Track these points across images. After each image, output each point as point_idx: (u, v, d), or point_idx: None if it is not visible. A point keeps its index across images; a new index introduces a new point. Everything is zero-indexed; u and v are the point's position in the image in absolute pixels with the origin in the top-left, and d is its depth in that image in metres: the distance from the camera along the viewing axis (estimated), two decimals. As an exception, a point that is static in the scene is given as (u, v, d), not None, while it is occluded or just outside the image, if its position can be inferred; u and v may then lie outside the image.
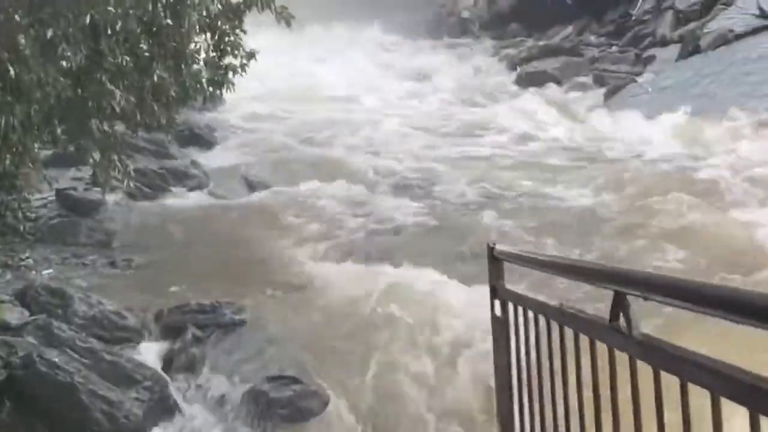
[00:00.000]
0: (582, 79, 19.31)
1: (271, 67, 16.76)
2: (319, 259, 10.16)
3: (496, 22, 23.66)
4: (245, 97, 15.97)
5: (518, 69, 20.37)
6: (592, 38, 21.70)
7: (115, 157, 9.41)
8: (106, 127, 9.23)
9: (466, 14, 24.01)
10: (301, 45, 21.22)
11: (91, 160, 9.11)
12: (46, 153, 10.59)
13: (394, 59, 21.89)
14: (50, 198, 11.29)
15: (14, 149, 8.87)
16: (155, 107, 9.16)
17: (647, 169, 13.00)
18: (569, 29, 22.31)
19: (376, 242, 10.63)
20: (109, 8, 8.26)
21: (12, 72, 8.33)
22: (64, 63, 8.42)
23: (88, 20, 8.27)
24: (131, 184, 9.78)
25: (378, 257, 10.01)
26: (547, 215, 11.17)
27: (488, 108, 17.70)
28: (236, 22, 9.34)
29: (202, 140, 14.25)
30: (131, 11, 8.49)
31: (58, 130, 9.32)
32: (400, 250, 10.20)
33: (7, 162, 8.90)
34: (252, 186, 12.73)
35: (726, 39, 17.41)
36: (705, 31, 18.21)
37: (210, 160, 13.64)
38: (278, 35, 11.71)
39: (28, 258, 10.31)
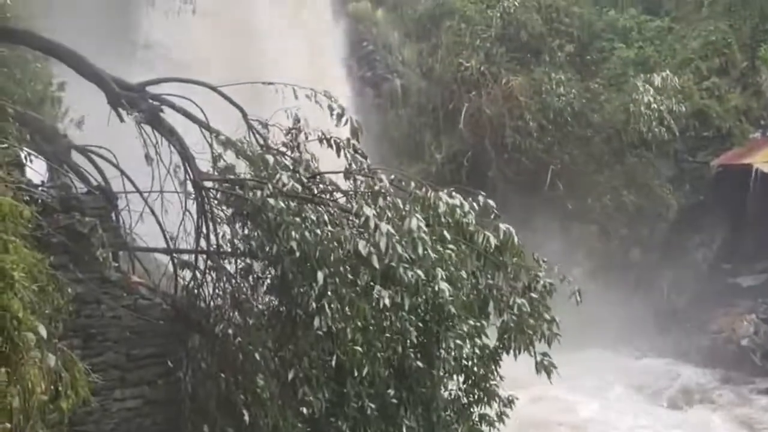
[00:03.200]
0: None
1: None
2: None
3: (779, 351, 21.55)
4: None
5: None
6: None
7: None
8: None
9: (745, 342, 21.94)
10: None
11: None
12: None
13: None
14: None
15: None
16: (402, 460, 8.04)
17: None
18: None
19: None
20: (357, 348, 7.45)
21: (247, 416, 7.60)
22: (303, 408, 7.60)
23: (334, 361, 7.48)
24: None
25: None
26: None
27: None
28: (492, 367, 8.27)
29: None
30: (379, 354, 7.64)
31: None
32: None
33: None
34: None
35: None
36: None
37: None
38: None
39: None
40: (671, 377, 21.95)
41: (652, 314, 25.26)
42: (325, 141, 8.84)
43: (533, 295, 8.20)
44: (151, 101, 8.60)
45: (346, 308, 7.50)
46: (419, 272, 7.63)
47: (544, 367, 8.07)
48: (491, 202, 8.76)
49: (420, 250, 7.46)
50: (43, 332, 5.17)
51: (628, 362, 23.42)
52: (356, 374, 7.60)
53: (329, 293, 7.50)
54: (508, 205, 19.90)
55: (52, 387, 5.55)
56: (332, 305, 7.40)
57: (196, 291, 8.41)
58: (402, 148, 25.57)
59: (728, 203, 25.53)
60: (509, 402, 8.46)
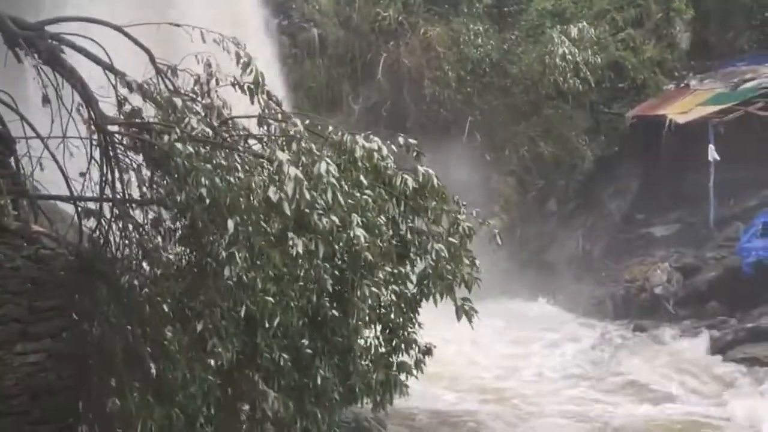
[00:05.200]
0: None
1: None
2: None
3: (692, 300, 21.91)
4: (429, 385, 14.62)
5: (723, 354, 18.47)
6: (810, 321, 19.63)
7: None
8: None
9: (659, 290, 22.28)
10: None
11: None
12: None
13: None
14: None
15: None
16: (317, 412, 7.84)
17: None
18: (778, 309, 20.29)
19: None
20: (268, 298, 7.20)
21: (154, 370, 7.31)
22: (212, 361, 7.34)
23: (243, 312, 7.22)
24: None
25: None
26: None
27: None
28: (411, 315, 8.11)
29: (371, 439, 12.84)
30: (292, 303, 7.40)
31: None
32: None
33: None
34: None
35: None
36: None
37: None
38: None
39: None
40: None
41: (567, 264, 25.60)
42: (237, 86, 8.50)
43: (452, 239, 8.05)
44: (50, 41, 8.13)
45: (256, 258, 7.23)
46: (334, 218, 7.40)
47: (465, 312, 7.93)
48: (413, 140, 8.56)
49: (329, 196, 7.22)
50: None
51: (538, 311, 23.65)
52: (268, 325, 7.36)
53: (240, 242, 7.21)
54: (428, 158, 19.80)
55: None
56: (242, 254, 7.12)
57: (101, 240, 8.03)
58: (320, 98, 25.23)
59: (642, 154, 25.91)
60: (427, 350, 8.34)
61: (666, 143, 24.96)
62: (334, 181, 7.26)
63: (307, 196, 7.07)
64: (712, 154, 23.24)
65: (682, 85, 26.43)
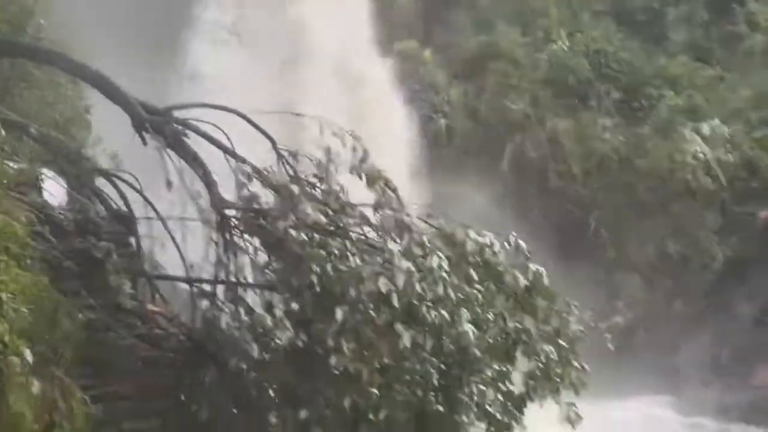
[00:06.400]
0: None
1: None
2: None
3: None
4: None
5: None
6: None
7: None
8: None
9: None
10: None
11: None
12: None
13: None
14: None
15: None
16: None
17: None
18: None
19: None
20: (373, 390, 7.10)
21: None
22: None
23: (348, 403, 7.14)
24: None
25: None
26: None
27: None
28: (516, 414, 7.89)
29: None
30: (399, 397, 7.29)
31: None
32: None
33: None
34: None
35: None
36: None
37: None
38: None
39: None
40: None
41: (694, 367, 24.74)
42: (356, 173, 8.58)
43: (561, 341, 7.83)
44: (175, 125, 8.41)
45: (364, 348, 7.18)
46: (443, 312, 7.30)
47: (569, 418, 7.68)
48: (523, 243, 8.42)
49: (440, 289, 7.14)
50: (29, 357, 4.92)
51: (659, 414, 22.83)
52: (373, 417, 7.25)
53: (347, 331, 7.19)
54: (551, 252, 19.57)
55: (47, 416, 5.29)
56: (350, 344, 7.08)
57: (213, 322, 8.13)
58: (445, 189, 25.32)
59: (776, 256, 24.97)
60: (531, 450, 8.08)
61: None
62: (445, 275, 7.18)
63: (418, 289, 7.01)
64: None
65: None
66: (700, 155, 23.79)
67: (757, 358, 23.76)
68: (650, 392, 23.53)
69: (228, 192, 8.49)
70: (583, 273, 23.39)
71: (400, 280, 7.04)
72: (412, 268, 7.11)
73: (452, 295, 7.22)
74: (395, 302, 7.10)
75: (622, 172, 25.52)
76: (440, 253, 7.39)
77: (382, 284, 7.17)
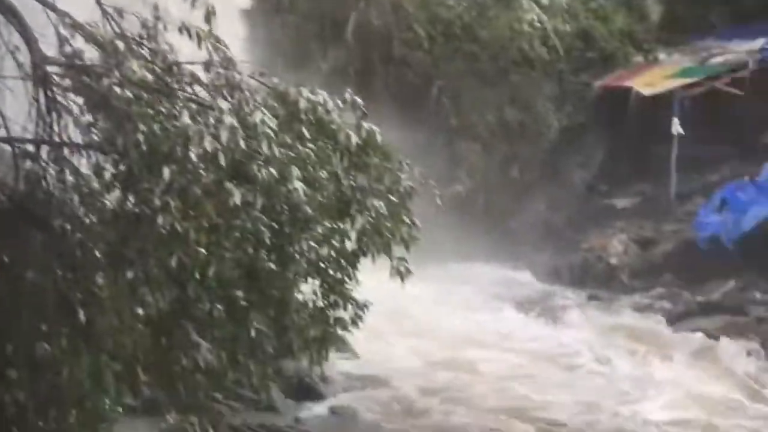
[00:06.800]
0: (749, 343, 17.35)
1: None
2: None
3: (647, 272, 22.07)
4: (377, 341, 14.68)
5: (675, 326, 18.64)
6: (758, 295, 19.81)
7: (195, 419, 7.98)
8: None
9: (614, 261, 22.40)
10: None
11: (163, 425, 7.71)
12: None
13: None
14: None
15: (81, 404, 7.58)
16: (249, 364, 7.78)
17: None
18: (731, 284, 20.47)
19: None
20: (200, 249, 7.08)
21: (82, 316, 7.20)
22: (145, 310, 7.25)
23: (174, 262, 7.11)
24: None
25: None
26: None
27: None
28: (349, 271, 8.05)
29: (313, 392, 12.83)
30: (228, 254, 7.30)
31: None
32: None
33: (71, 419, 7.59)
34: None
35: None
36: None
37: (319, 416, 12.20)
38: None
39: None
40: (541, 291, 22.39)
41: (530, 232, 25.67)
42: (185, 31, 8.30)
43: (392, 197, 7.98)
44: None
45: (191, 208, 7.11)
46: (273, 170, 7.29)
47: (399, 272, 7.91)
48: (358, 99, 8.44)
49: (264, 146, 7.09)
50: None
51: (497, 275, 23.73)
52: (201, 276, 7.26)
53: (175, 190, 7.09)
54: (394, 119, 19.72)
55: None
56: (176, 203, 7.00)
57: (37, 183, 7.86)
58: (288, 56, 24.93)
59: (608, 126, 25.89)
60: (364, 306, 8.30)
61: (631, 115, 24.98)
62: (269, 131, 7.12)
63: (243, 145, 6.94)
64: (676, 127, 23.27)
65: (651, 57, 26.40)
66: (537, 24, 24.16)
67: (589, 223, 24.88)
68: (490, 255, 24.43)
69: (50, 49, 8.12)
70: (425, 141, 23.73)
71: (224, 137, 6.95)
72: (236, 125, 7.02)
73: (277, 152, 7.18)
74: (222, 160, 7.02)
75: (465, 41, 25.70)
76: (265, 110, 7.32)
77: (208, 143, 7.07)
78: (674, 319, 19.42)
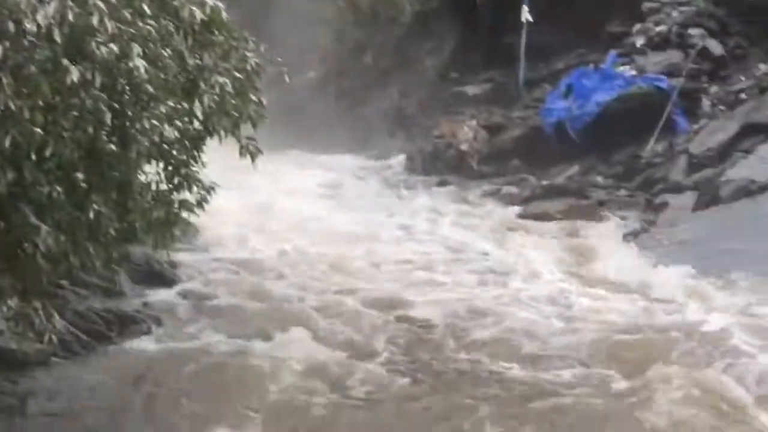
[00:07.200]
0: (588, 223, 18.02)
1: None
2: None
3: (496, 158, 22.54)
4: (221, 228, 14.62)
5: (520, 209, 19.19)
6: (599, 179, 20.53)
7: (38, 305, 7.82)
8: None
9: (464, 147, 22.78)
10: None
11: (5, 309, 7.53)
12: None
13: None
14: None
15: None
16: (90, 248, 7.62)
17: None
18: (575, 168, 21.14)
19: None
20: (36, 129, 6.81)
21: None
22: (-24, 192, 6.95)
23: (8, 142, 6.81)
24: (54, 338, 8.14)
25: None
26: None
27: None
28: (194, 152, 7.93)
29: (162, 277, 12.70)
30: (66, 134, 7.04)
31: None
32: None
33: None
34: (209, 333, 11.25)
35: (749, 190, 16.18)
36: (723, 179, 16.96)
37: (167, 301, 12.16)
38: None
39: None
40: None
41: (381, 119, 25.80)
42: None
43: (237, 74, 7.85)
44: None
45: (25, 86, 6.78)
46: (113, 47, 7.01)
47: (249, 152, 7.85)
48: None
49: (96, 21, 6.79)
50: None
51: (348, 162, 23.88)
52: (37, 157, 6.99)
53: (7, 68, 6.74)
54: (244, 3, 19.21)
55: None
56: (8, 80, 6.66)
57: None
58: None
59: (460, 13, 25.91)
60: (210, 188, 8.22)
61: (483, 2, 25.08)
62: (100, 4, 6.80)
63: (71, 18, 6.62)
64: (525, 15, 23.46)
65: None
66: None
67: (439, 111, 25.10)
68: (342, 143, 24.46)
69: None
70: (276, 29, 23.29)
71: (51, 9, 6.61)
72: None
73: (111, 27, 6.88)
74: (56, 36, 6.70)
75: None
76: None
77: (41, 17, 6.72)
78: (519, 202, 19.95)
